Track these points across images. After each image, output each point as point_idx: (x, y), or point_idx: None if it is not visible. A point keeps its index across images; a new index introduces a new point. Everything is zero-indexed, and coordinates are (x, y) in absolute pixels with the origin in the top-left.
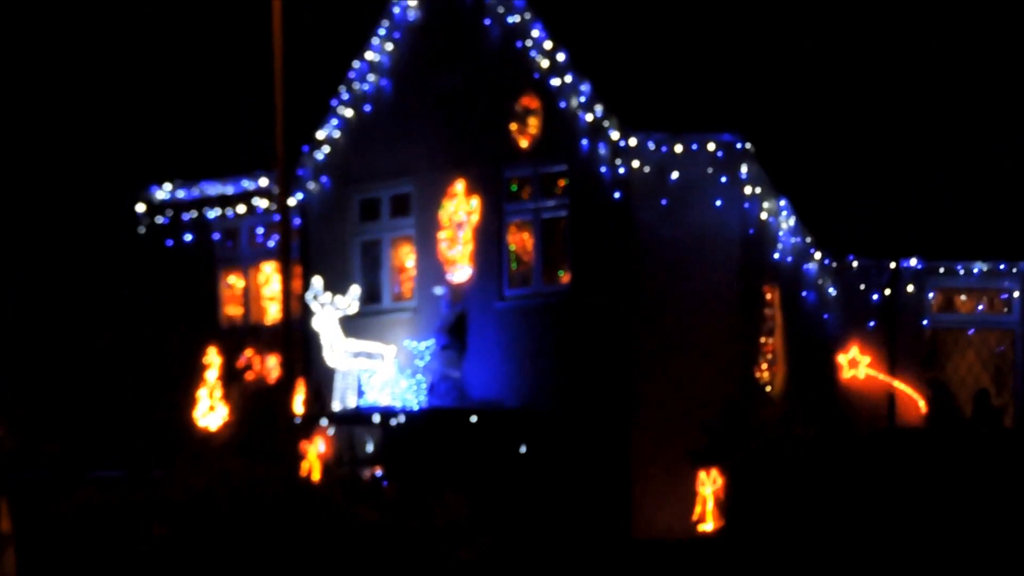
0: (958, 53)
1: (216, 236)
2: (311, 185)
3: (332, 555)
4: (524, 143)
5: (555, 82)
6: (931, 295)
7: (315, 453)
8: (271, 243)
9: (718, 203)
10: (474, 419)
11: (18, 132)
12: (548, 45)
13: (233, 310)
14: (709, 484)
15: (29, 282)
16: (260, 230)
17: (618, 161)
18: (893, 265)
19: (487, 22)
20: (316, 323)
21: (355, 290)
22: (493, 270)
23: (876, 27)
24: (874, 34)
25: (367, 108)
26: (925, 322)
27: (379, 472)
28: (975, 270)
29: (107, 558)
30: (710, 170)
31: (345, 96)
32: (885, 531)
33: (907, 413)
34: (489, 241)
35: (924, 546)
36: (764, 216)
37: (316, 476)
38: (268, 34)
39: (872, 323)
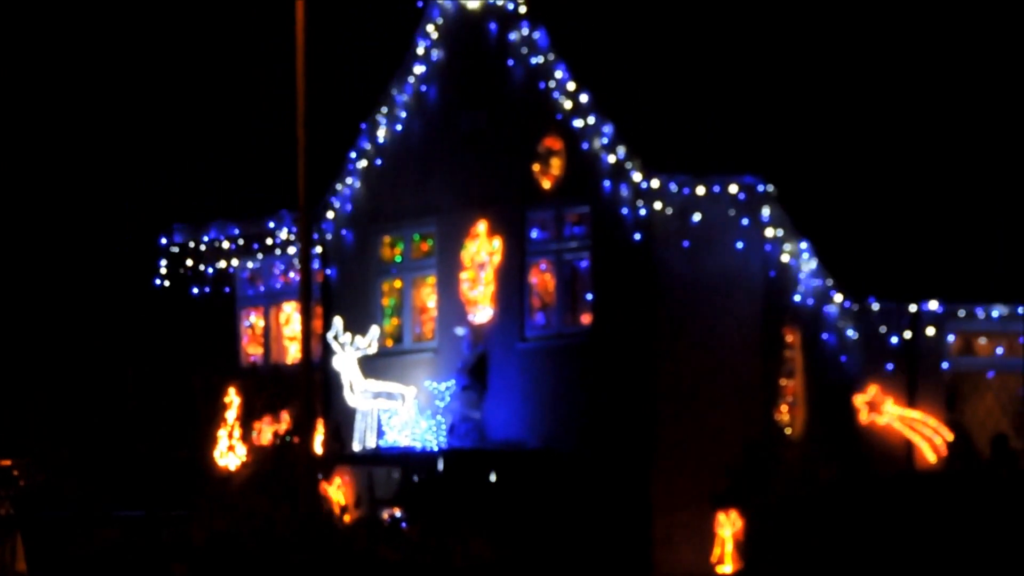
0: (975, 99)
1: (240, 275)
2: (333, 225)
3: None
4: (547, 184)
5: (578, 123)
6: (951, 338)
7: (337, 493)
8: (293, 283)
9: (739, 245)
10: (495, 460)
11: (51, 181)
12: (571, 86)
13: (253, 349)
14: (729, 526)
15: (54, 326)
16: (279, 269)
17: (640, 203)
18: (913, 308)
19: (510, 63)
20: (336, 363)
21: (375, 331)
22: (515, 311)
23: (895, 73)
24: (893, 79)
25: (390, 148)
26: (945, 365)
27: (398, 513)
28: (994, 313)
29: None
30: (732, 212)
31: (367, 138)
32: (910, 571)
33: (925, 456)
34: (511, 282)
35: None
36: (785, 258)
37: (345, 516)
38: (293, 74)
39: (891, 365)
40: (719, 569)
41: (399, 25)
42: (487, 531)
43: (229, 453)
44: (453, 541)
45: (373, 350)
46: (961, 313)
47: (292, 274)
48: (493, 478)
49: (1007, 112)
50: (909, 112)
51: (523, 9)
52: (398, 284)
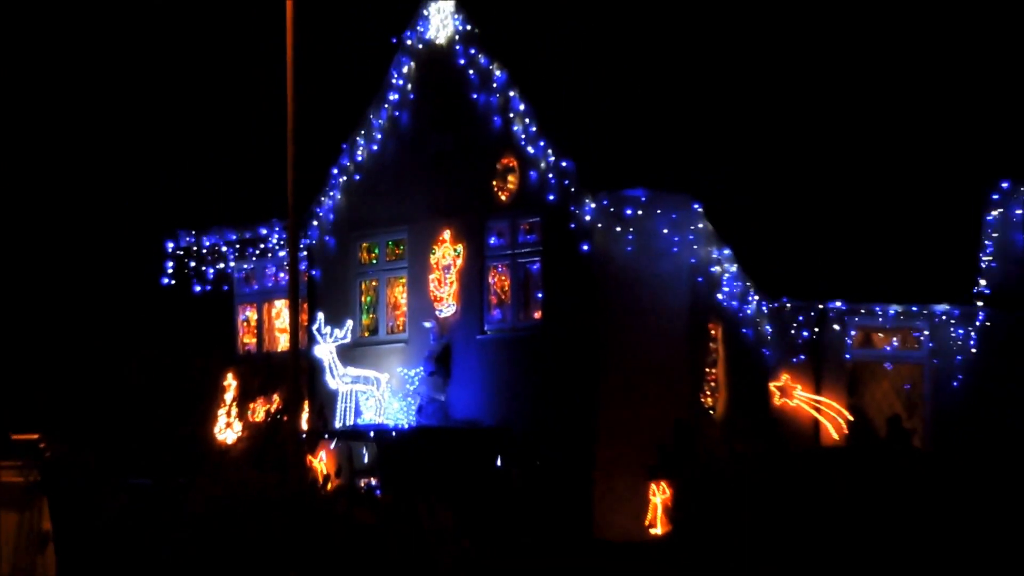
0: (870, 130)
1: (237, 275)
2: (317, 232)
3: (334, 554)
4: (503, 197)
5: (530, 146)
6: (852, 333)
7: (321, 465)
8: (282, 282)
9: (671, 252)
10: (457, 437)
11: (71, 192)
12: (525, 115)
13: (248, 339)
14: (659, 494)
15: (73, 320)
16: (271, 270)
17: (585, 215)
18: (820, 306)
19: (473, 93)
20: (318, 352)
21: (349, 323)
22: (475, 307)
23: (802, 111)
24: (801, 117)
25: (367, 166)
26: (847, 356)
27: (373, 482)
28: (891, 312)
29: (134, 557)
30: (665, 224)
31: (348, 156)
32: (812, 535)
33: (830, 434)
34: (472, 282)
35: (845, 548)
36: (710, 264)
37: (327, 485)
38: (284, 99)
39: (801, 356)
40: (651, 531)
41: (376, 57)
42: (450, 498)
43: (227, 429)
44: (420, 506)
45: (347, 340)
46: (861, 311)
47: (282, 274)
48: (455, 452)
49: (897, 142)
50: (816, 141)
51: (484, 46)
52: (374, 283)
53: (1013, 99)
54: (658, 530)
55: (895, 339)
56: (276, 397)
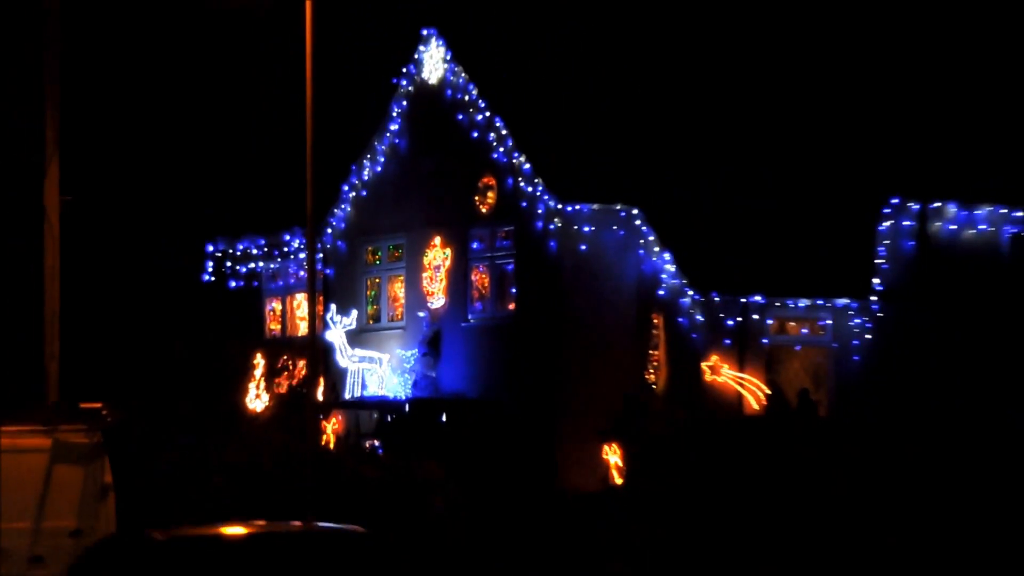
0: (790, 148)
1: (265, 273)
2: (331, 238)
3: (344, 501)
4: (484, 210)
5: (506, 168)
6: (770, 322)
7: (331, 429)
8: (302, 279)
9: (621, 255)
10: (445, 406)
11: (130, 205)
12: (502, 142)
13: (274, 326)
14: (612, 454)
15: (132, 311)
16: (293, 269)
17: (550, 223)
18: (743, 300)
19: (459, 122)
20: (330, 336)
21: (354, 313)
22: (460, 300)
23: (731, 136)
24: (730, 141)
25: (372, 183)
26: (765, 341)
27: (376, 443)
28: (801, 304)
29: (181, 503)
30: (615, 232)
31: (356, 176)
32: (738, 485)
33: (751, 404)
34: (458, 280)
35: (761, 495)
36: (652, 264)
37: (332, 445)
38: (303, 129)
39: (727, 341)
40: (604, 484)
41: (379, 94)
42: (439, 456)
43: (256, 400)
44: (415, 463)
45: (354, 327)
46: (777, 304)
47: (301, 273)
48: (444, 419)
49: (808, 164)
50: (742, 162)
51: (468, 87)
52: (377, 280)
53: (903, 129)
54: (611, 483)
55: (804, 327)
56: (297, 373)
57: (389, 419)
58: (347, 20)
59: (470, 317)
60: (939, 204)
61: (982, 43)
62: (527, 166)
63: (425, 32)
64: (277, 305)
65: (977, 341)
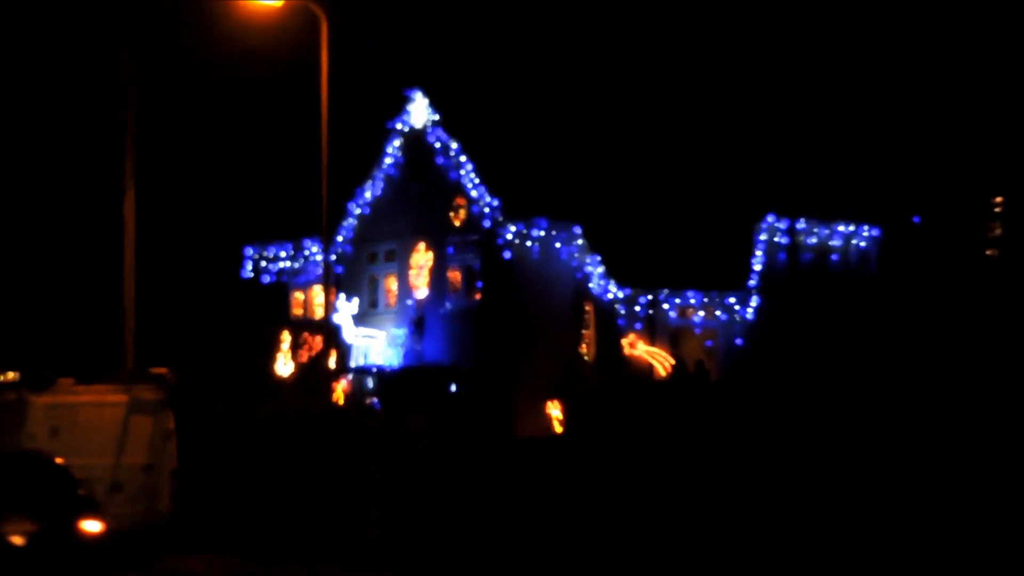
0: (685, 174)
1: (290, 271)
2: (340, 244)
3: (351, 445)
4: (457, 224)
5: (473, 192)
6: (674, 309)
7: (341, 390)
8: (319, 275)
9: (561, 258)
10: (428, 372)
11: (190, 221)
12: (471, 172)
13: (297, 311)
14: (554, 409)
15: (187, 301)
16: (312, 267)
17: (507, 235)
18: (653, 293)
19: (439, 159)
20: (339, 318)
21: (356, 301)
22: (439, 292)
23: (642, 165)
24: (642, 168)
25: (373, 203)
26: (670, 323)
27: (375, 400)
28: (698, 296)
29: (224, 447)
30: (557, 240)
31: (360, 197)
32: (648, 430)
33: (659, 372)
34: (437, 276)
35: (665, 436)
36: (586, 265)
37: (341, 402)
38: (319, 162)
39: (642, 324)
40: (549, 431)
41: (378, 135)
42: (423, 411)
43: (283, 367)
44: (404, 415)
45: (358, 311)
46: (679, 296)
47: (319, 270)
48: (427, 382)
49: (703, 187)
50: (651, 187)
51: (445, 130)
52: (375, 276)
53: (779, 162)
54: (553, 431)
55: (701, 313)
56: (314, 347)
57: (385, 382)
58: (355, 77)
59: (447, 304)
60: (804, 220)
61: (841, 90)
62: (489, 191)
63: (411, 91)
64: (299, 295)
65: (830, 325)
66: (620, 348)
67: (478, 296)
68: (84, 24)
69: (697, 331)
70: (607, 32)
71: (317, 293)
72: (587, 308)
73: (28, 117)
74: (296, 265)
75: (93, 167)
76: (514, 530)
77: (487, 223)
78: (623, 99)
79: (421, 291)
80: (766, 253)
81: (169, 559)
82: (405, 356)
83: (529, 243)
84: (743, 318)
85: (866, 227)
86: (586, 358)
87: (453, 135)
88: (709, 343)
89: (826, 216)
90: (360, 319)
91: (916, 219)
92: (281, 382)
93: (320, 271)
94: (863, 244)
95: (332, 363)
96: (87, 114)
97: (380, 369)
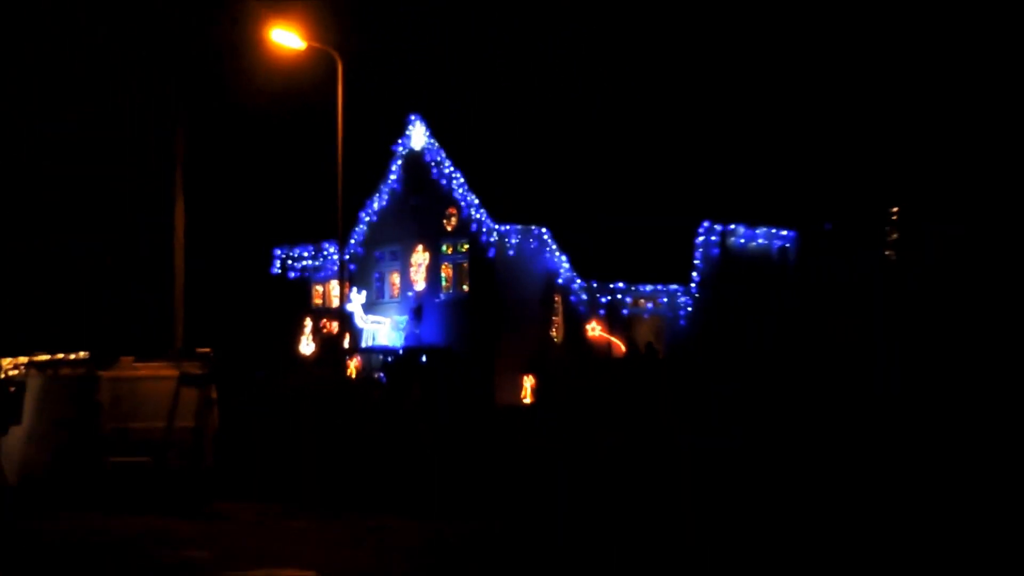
0: (640, 185)
1: (312, 268)
2: (352, 246)
3: (358, 415)
4: (449, 228)
5: (463, 202)
6: (628, 299)
7: (354, 366)
8: (335, 272)
9: (535, 257)
10: (426, 352)
11: (229, 227)
12: (462, 185)
13: (317, 301)
14: (529, 382)
15: (223, 297)
16: (330, 266)
17: (490, 237)
18: (611, 285)
19: (434, 173)
20: (351, 307)
21: (364, 292)
22: (434, 286)
23: (603, 175)
24: (606, 177)
25: (380, 212)
26: (625, 311)
27: (381, 375)
28: (648, 288)
29: (255, 415)
30: (532, 242)
31: (369, 207)
32: (605, 398)
33: (617, 351)
34: (433, 272)
35: (618, 403)
36: (555, 263)
37: (354, 376)
38: (335, 180)
39: (602, 311)
40: (524, 401)
41: (383, 155)
42: (420, 384)
43: (306, 347)
44: (404, 388)
45: (366, 302)
46: (633, 288)
47: (335, 268)
48: (425, 360)
49: (653, 196)
50: (610, 196)
51: (440, 151)
52: (382, 272)
53: (712, 176)
54: (527, 401)
55: (650, 302)
56: (331, 330)
57: (390, 360)
58: (365, 104)
59: (441, 296)
60: (734, 225)
61: (768, 111)
62: (476, 201)
63: (412, 117)
64: (319, 288)
65: (757, 313)
66: (584, 332)
67: (467, 288)
68: (127, 36)
69: (647, 316)
70: (577, 56)
71: (334, 286)
72: (556, 298)
73: (85, 125)
74: (317, 263)
75: (148, 181)
76: (490, 474)
77: (474, 227)
78: (593, 120)
79: (419, 285)
80: (703, 252)
81: (216, 505)
82: (406, 339)
83: (508, 244)
84: (686, 306)
85: (784, 230)
86: (555, 340)
87: (446, 154)
88: (658, 327)
89: (752, 221)
90: (369, 308)
91: (827, 225)
92: (304, 359)
93: (336, 268)
94: (784, 244)
95: (346, 344)
96: (139, 126)
97: (385, 349)
